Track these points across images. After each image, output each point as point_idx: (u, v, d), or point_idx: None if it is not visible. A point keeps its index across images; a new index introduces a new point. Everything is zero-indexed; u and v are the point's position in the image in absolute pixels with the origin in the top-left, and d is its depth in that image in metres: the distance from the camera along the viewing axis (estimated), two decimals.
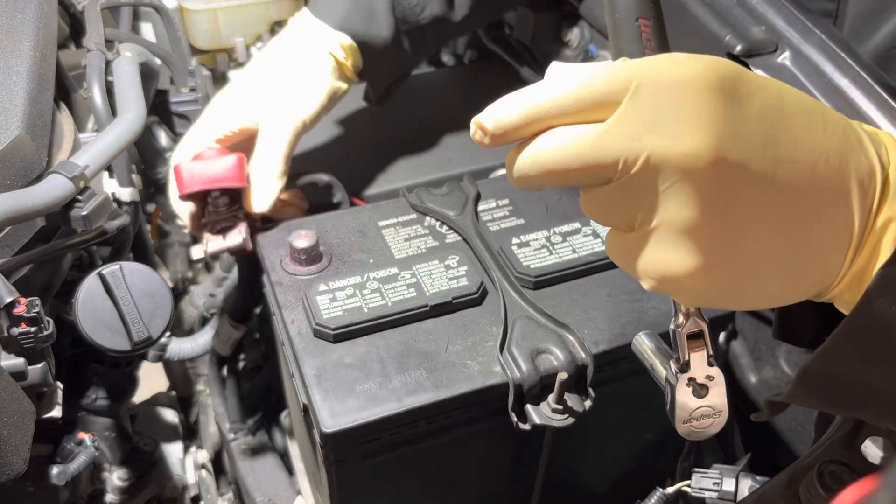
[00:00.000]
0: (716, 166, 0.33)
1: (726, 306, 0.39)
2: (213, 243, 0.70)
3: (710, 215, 0.34)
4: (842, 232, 0.36)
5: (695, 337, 0.42)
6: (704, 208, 0.34)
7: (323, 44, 0.74)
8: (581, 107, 0.35)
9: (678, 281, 0.37)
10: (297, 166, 0.84)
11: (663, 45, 0.38)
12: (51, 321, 0.57)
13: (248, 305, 0.86)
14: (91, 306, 0.65)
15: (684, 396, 0.43)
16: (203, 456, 1.05)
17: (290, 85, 0.73)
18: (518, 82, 1.07)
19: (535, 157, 0.36)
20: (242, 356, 0.96)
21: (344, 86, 0.76)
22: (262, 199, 0.71)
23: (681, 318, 0.42)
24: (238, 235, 0.70)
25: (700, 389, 0.43)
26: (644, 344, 0.47)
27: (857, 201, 0.35)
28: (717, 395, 0.43)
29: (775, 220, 0.35)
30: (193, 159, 0.70)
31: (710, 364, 0.43)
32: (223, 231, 0.71)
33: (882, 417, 0.43)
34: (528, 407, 0.58)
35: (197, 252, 0.72)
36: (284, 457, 0.93)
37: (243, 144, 0.73)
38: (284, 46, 0.76)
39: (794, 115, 0.35)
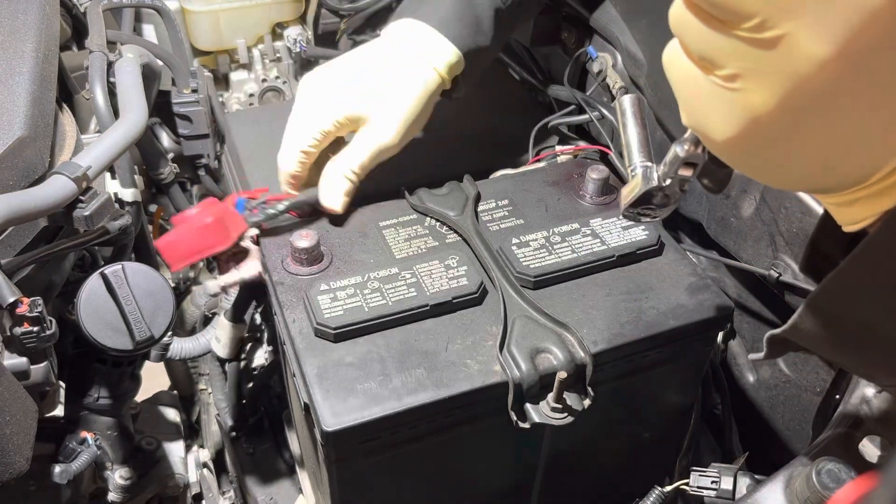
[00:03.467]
0: (837, 74, 0.31)
1: (755, 178, 0.40)
2: (227, 275, 0.69)
3: (795, 111, 0.33)
4: None
5: (689, 165, 0.45)
6: (795, 103, 0.33)
7: (432, 60, 0.70)
8: None
9: (714, 143, 0.37)
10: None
11: None
12: (53, 321, 0.57)
13: (243, 303, 0.87)
14: (93, 306, 0.65)
15: (647, 191, 0.47)
16: (205, 454, 1.05)
17: (391, 97, 0.69)
18: (518, 84, 1.07)
19: None
20: (244, 355, 0.96)
21: (434, 101, 0.73)
22: (333, 198, 0.69)
23: (688, 146, 0.44)
24: (253, 266, 0.68)
25: (665, 199, 0.47)
26: (629, 110, 0.49)
27: None
28: (665, 211, 0.48)
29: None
30: (174, 222, 0.68)
31: (682, 189, 0.46)
32: (237, 260, 0.70)
33: (875, 367, 0.43)
34: (528, 406, 0.58)
35: (212, 286, 0.70)
36: (285, 456, 0.93)
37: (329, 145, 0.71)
38: (391, 50, 0.71)
39: None
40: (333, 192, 0.70)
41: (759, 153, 0.37)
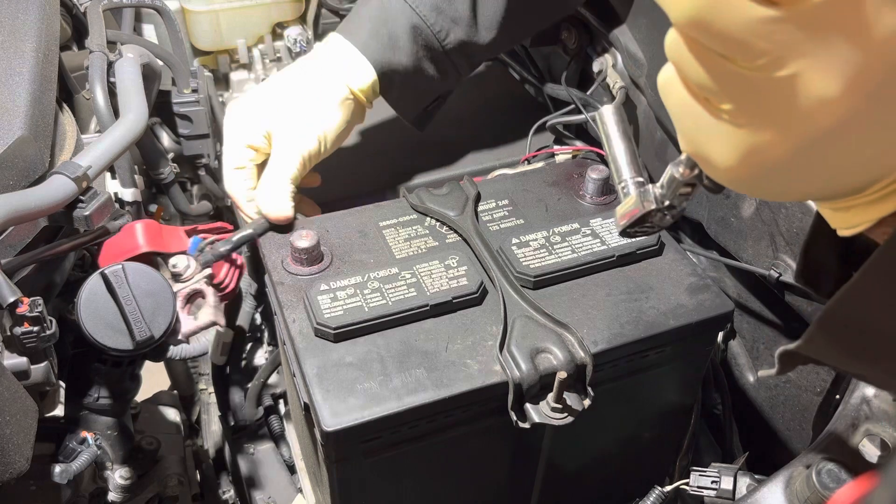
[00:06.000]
0: (848, 109, 0.30)
1: (757, 196, 0.39)
2: (186, 324, 0.72)
3: (803, 147, 0.32)
4: None
5: (687, 185, 0.43)
6: (803, 141, 0.32)
7: (343, 72, 0.75)
8: None
9: (716, 170, 0.36)
10: None
11: None
12: (53, 321, 0.57)
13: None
14: (93, 306, 0.65)
15: (647, 213, 0.44)
16: (205, 454, 1.05)
17: (305, 108, 0.74)
18: (518, 84, 1.07)
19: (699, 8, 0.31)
20: (245, 356, 0.97)
21: (355, 115, 0.77)
22: (279, 207, 0.73)
23: (683, 169, 0.42)
24: (208, 314, 0.72)
25: (663, 217, 0.44)
26: (610, 121, 0.46)
27: None
28: (665, 225, 0.45)
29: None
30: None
31: (681, 205, 0.44)
32: (194, 301, 0.73)
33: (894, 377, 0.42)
34: (528, 406, 0.58)
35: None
36: (285, 455, 0.93)
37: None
38: (306, 66, 0.77)
39: None
40: (277, 201, 0.73)
41: (762, 180, 0.36)
